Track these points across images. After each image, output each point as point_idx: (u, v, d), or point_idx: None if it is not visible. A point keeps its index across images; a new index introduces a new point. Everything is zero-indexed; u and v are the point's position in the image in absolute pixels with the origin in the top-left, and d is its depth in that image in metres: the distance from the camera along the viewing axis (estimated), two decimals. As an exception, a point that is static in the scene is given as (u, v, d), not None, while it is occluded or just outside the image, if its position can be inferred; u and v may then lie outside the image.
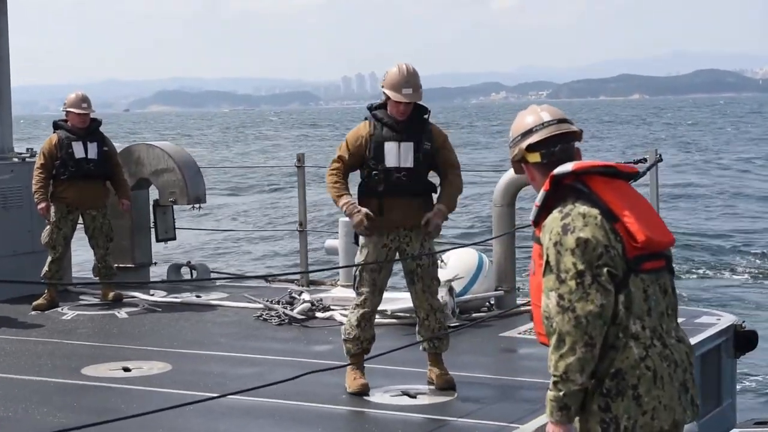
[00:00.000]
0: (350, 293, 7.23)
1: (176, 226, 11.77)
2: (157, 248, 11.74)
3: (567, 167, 3.91)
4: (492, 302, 9.68)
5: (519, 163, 4.14)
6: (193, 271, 11.60)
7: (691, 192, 34.47)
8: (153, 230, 11.56)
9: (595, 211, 3.82)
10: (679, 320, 4.04)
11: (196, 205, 11.29)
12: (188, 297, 10.63)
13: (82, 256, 12.46)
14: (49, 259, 10.35)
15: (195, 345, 8.66)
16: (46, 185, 10.23)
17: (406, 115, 6.94)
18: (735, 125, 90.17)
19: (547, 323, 3.80)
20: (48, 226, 10.33)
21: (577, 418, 3.84)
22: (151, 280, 11.71)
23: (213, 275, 12.30)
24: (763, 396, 12.96)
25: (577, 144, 4.12)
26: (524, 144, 4.08)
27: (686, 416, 3.86)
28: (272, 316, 9.55)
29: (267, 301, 9.94)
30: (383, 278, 6.99)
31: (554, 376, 3.77)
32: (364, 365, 7.04)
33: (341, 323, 7.59)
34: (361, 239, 7.00)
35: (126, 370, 7.81)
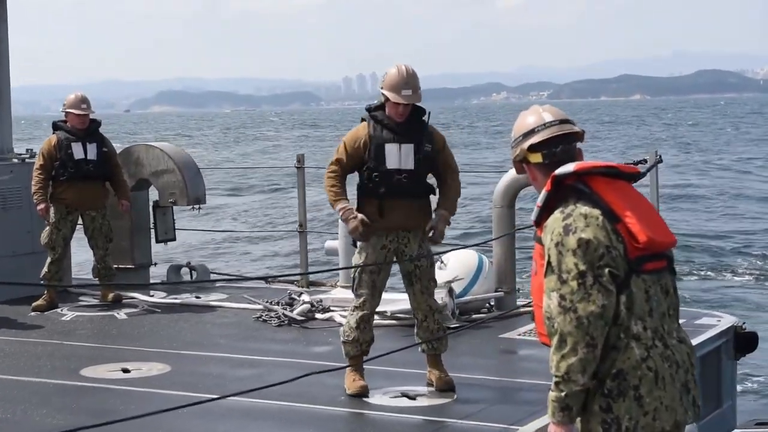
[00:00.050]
0: (350, 294, 7.21)
1: (176, 227, 11.76)
2: (156, 248, 11.73)
3: (569, 168, 3.91)
4: (492, 303, 9.67)
5: (521, 163, 4.15)
6: (192, 271, 11.59)
7: (691, 193, 34.44)
8: (153, 231, 11.55)
9: (596, 212, 3.82)
10: (680, 321, 4.03)
11: (196, 206, 11.28)
12: (188, 298, 10.62)
13: (81, 257, 12.45)
14: (49, 260, 10.34)
15: (194, 346, 8.64)
16: (46, 186, 10.22)
17: (405, 117, 6.92)
18: (735, 126, 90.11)
19: (549, 324, 3.80)
20: (47, 227, 10.32)
21: (578, 419, 3.85)
22: (151, 280, 11.69)
23: (213, 276, 12.29)
24: (765, 397, 12.94)
25: (578, 144, 4.12)
26: (526, 144, 4.08)
27: (687, 417, 3.86)
28: (272, 317, 9.53)
29: (266, 302, 9.93)
30: (382, 280, 6.98)
31: (556, 376, 3.77)
32: (364, 366, 7.03)
33: (341, 324, 7.57)
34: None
35: (125, 371, 7.80)
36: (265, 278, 12.03)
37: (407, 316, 8.78)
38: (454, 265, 9.42)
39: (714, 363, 8.20)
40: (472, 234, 24.80)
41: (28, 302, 10.27)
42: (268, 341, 8.83)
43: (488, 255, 9.90)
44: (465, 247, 10.45)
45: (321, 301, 9.78)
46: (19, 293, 10.57)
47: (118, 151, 10.92)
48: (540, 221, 3.98)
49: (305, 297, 9.90)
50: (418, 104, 6.96)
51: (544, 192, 3.96)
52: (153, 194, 11.57)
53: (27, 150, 11.36)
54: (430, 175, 7.08)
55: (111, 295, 10.50)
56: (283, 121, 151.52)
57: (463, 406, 6.74)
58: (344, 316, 7.94)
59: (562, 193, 3.92)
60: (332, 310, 9.55)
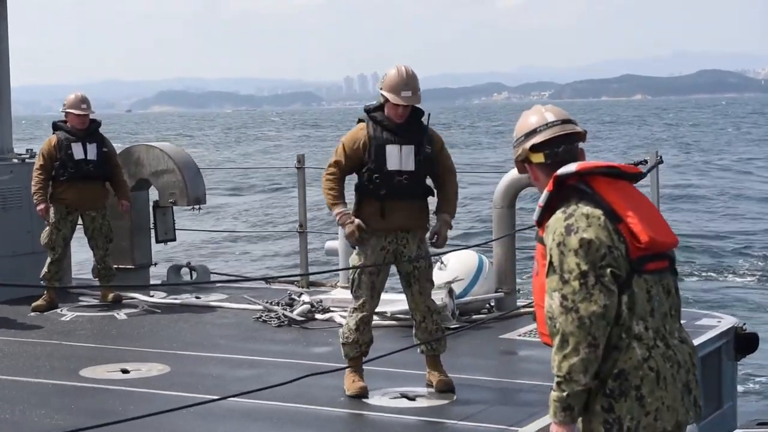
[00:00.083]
0: (350, 295, 7.20)
1: (176, 227, 11.75)
2: (157, 247, 11.72)
3: (571, 168, 3.92)
4: (492, 304, 9.66)
5: (523, 163, 4.15)
6: (193, 271, 11.58)
7: (691, 193, 34.42)
8: (153, 231, 11.54)
9: (598, 212, 3.83)
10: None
11: (196, 206, 11.27)
12: (188, 298, 10.62)
13: (81, 256, 12.43)
14: (49, 260, 10.34)
15: (194, 347, 8.64)
16: (45, 186, 10.21)
17: (404, 118, 6.90)
18: (737, 126, 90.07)
19: (551, 324, 3.80)
20: (47, 227, 10.32)
21: (580, 419, 3.85)
22: (152, 280, 11.69)
23: (213, 276, 12.27)
24: (767, 398, 12.93)
25: (580, 144, 4.12)
26: (528, 144, 4.09)
27: (689, 417, 3.87)
28: (272, 317, 9.52)
29: (266, 302, 9.91)
30: (381, 281, 6.97)
31: (558, 376, 3.77)
32: (363, 367, 7.02)
33: (341, 325, 7.57)
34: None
35: (124, 371, 7.79)
36: (265, 279, 12.01)
37: (407, 316, 8.76)
38: (455, 266, 9.40)
39: (714, 364, 8.20)
40: (472, 234, 24.79)
41: (27, 302, 10.27)
42: (267, 342, 8.82)
43: (488, 255, 9.89)
44: (465, 247, 10.43)
45: (321, 301, 9.76)
46: (19, 293, 10.56)
47: (118, 151, 10.91)
48: (542, 221, 3.98)
49: (305, 297, 9.89)
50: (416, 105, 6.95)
51: (546, 192, 3.96)
52: (153, 194, 11.56)
53: (27, 150, 11.35)
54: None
55: (111, 296, 10.50)
56: (284, 121, 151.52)
57: (462, 407, 6.73)
58: (344, 317, 7.93)
59: (564, 193, 3.92)
60: (332, 311, 9.54)
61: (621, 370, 3.77)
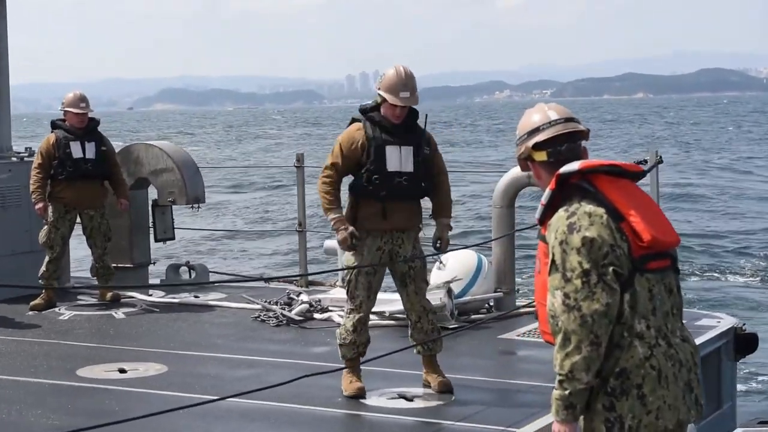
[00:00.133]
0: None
1: (175, 225, 11.73)
2: (156, 244, 11.70)
3: (573, 166, 3.92)
4: (491, 304, 9.63)
5: (525, 161, 4.15)
6: (191, 270, 11.56)
7: (691, 192, 34.41)
8: (152, 230, 11.52)
9: (600, 210, 3.83)
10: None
11: (195, 206, 11.25)
12: (186, 297, 10.60)
13: (80, 253, 12.41)
14: (47, 259, 10.32)
15: (192, 346, 8.62)
16: (44, 185, 10.19)
17: (401, 119, 6.87)
18: (738, 124, 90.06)
19: (553, 322, 3.80)
20: (46, 226, 10.29)
21: (581, 417, 3.85)
22: (150, 279, 11.67)
23: (212, 274, 12.25)
24: (768, 398, 12.93)
25: (583, 143, 4.11)
26: (531, 142, 4.08)
27: (690, 416, 3.87)
28: (270, 317, 9.50)
29: (265, 301, 9.90)
30: (378, 281, 6.95)
31: (560, 374, 3.78)
32: (361, 368, 7.00)
33: (339, 324, 7.54)
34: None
35: (122, 371, 7.77)
36: (264, 279, 11.99)
37: (405, 316, 8.74)
38: (453, 266, 9.38)
39: (714, 364, 8.19)
40: (471, 232, 24.78)
41: (26, 301, 10.25)
42: (266, 341, 8.81)
43: (487, 255, 9.86)
44: (464, 247, 10.40)
45: (319, 301, 9.74)
46: (18, 292, 10.54)
47: (117, 150, 10.89)
48: (544, 219, 3.99)
49: (304, 297, 9.87)
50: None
51: (548, 190, 3.96)
52: (152, 193, 11.54)
53: (26, 148, 11.33)
54: None
55: (109, 295, 10.48)
56: (285, 119, 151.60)
57: (460, 408, 6.71)
58: (342, 317, 7.90)
59: (566, 192, 3.92)
60: (331, 310, 9.52)
61: (623, 368, 3.77)
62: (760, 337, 8.81)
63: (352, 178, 6.92)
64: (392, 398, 6.88)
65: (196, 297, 10.63)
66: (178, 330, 9.33)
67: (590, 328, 3.71)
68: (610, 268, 3.76)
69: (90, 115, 10.42)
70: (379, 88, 6.87)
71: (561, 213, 3.88)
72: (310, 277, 11.03)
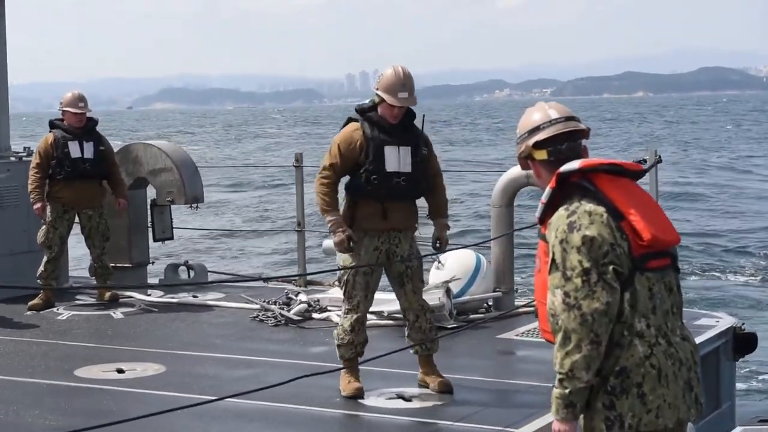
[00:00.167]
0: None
1: (173, 225, 11.72)
2: (154, 244, 11.70)
3: (574, 165, 3.92)
4: (490, 304, 9.62)
5: (526, 159, 4.15)
6: (190, 270, 11.54)
7: (691, 191, 34.40)
8: (150, 230, 11.51)
9: (601, 209, 3.83)
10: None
11: (194, 205, 11.24)
12: (185, 297, 10.59)
13: (78, 252, 12.40)
14: (45, 258, 10.31)
15: (190, 346, 8.60)
16: (42, 185, 10.18)
17: (399, 119, 6.86)
18: (737, 123, 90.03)
19: (553, 321, 3.80)
20: (44, 226, 10.28)
21: (581, 416, 3.85)
22: (149, 278, 11.66)
23: (210, 274, 12.23)
24: (768, 397, 12.92)
25: (583, 142, 4.11)
26: (531, 141, 4.08)
27: (690, 414, 3.87)
28: (268, 317, 9.49)
29: (264, 301, 9.88)
30: (375, 281, 6.93)
31: (560, 373, 3.77)
32: (359, 368, 6.99)
33: (338, 324, 7.53)
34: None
35: (120, 371, 7.76)
36: (262, 279, 11.98)
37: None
38: (452, 265, 9.37)
39: (713, 364, 8.18)
40: (470, 232, 24.77)
41: (24, 301, 10.24)
42: (264, 341, 8.79)
43: (486, 254, 9.85)
44: (463, 247, 10.39)
45: (318, 300, 9.73)
46: (16, 292, 10.53)
47: (116, 149, 10.88)
48: (544, 218, 3.99)
49: (302, 297, 9.86)
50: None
51: (548, 189, 3.96)
52: (151, 193, 11.53)
53: (24, 148, 11.32)
54: None
55: (108, 294, 10.48)
56: (285, 118, 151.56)
57: (459, 408, 6.70)
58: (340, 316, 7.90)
59: (566, 191, 3.92)
60: (329, 310, 9.50)
61: (623, 367, 3.77)
62: (760, 337, 8.80)
63: (348, 178, 6.91)
64: (390, 398, 6.87)
65: (194, 297, 10.62)
66: (177, 330, 9.32)
67: (590, 327, 3.72)
68: (611, 267, 3.76)
69: (88, 114, 10.41)
70: (377, 88, 6.86)
71: (561, 212, 3.88)
72: (309, 277, 11.02)
